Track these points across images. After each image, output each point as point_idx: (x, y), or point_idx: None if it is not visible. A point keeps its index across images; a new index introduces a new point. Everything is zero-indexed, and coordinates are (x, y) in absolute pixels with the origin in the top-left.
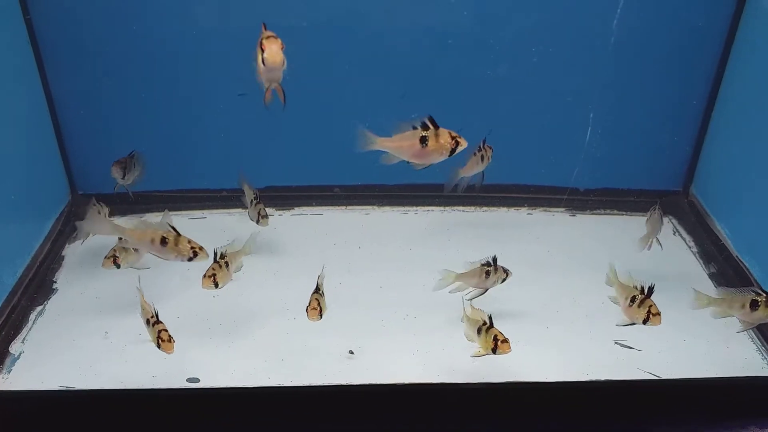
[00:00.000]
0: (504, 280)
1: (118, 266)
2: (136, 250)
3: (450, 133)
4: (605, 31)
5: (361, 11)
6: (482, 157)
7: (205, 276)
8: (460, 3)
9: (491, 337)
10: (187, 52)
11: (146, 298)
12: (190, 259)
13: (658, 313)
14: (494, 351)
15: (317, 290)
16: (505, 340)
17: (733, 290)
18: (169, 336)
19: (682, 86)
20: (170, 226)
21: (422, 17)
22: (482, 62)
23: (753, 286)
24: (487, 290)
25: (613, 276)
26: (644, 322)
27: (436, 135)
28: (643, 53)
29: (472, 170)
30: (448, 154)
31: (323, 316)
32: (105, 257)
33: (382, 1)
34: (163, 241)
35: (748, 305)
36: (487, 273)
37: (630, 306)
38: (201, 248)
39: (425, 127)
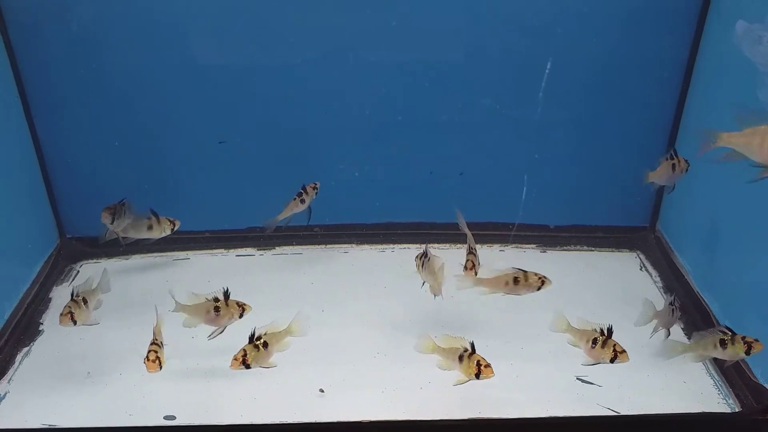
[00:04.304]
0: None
1: (75, 322)
2: (86, 306)
3: None
4: (569, 68)
5: (352, 48)
6: (674, 166)
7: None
8: (423, 45)
9: (474, 363)
10: (173, 98)
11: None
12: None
13: (624, 351)
14: (477, 376)
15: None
16: (488, 365)
17: (703, 333)
18: (157, 357)
19: (647, 122)
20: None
21: (403, 78)
22: (453, 104)
23: (714, 323)
24: (668, 331)
25: (562, 323)
26: (612, 360)
27: None
28: (608, 91)
29: (662, 177)
30: None
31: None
32: (61, 314)
33: (370, 42)
34: (516, 280)
35: (719, 345)
36: (672, 311)
37: (593, 348)
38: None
39: None
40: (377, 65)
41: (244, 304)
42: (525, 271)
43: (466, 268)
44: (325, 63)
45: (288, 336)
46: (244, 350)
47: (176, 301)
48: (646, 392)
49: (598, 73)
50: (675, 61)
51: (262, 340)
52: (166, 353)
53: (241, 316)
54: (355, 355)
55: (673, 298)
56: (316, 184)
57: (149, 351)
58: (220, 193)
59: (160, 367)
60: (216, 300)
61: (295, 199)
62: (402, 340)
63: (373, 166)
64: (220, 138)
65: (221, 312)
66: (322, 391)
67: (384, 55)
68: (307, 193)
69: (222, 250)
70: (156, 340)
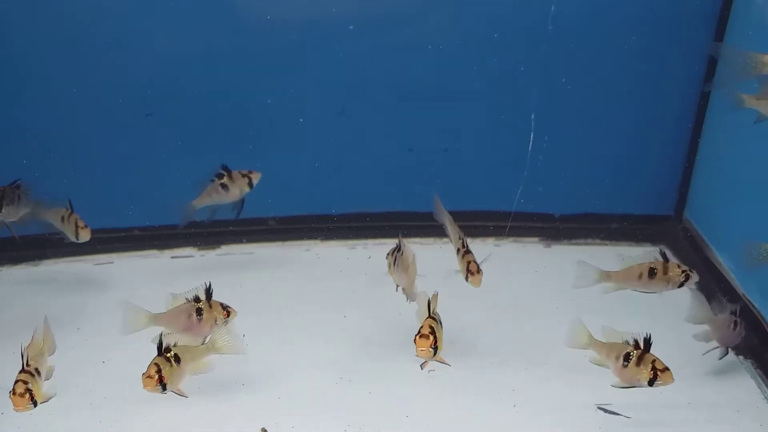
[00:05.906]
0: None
1: None
2: None
3: None
4: (587, 52)
5: (303, 39)
6: None
7: None
8: (408, 21)
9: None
10: (91, 70)
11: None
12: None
13: (666, 368)
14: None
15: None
16: (423, 336)
17: None
18: (27, 389)
19: (668, 96)
20: None
21: (370, 33)
22: (445, 79)
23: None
24: (726, 349)
25: (583, 336)
26: (651, 382)
27: None
28: (625, 62)
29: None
30: None
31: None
32: None
33: (326, 28)
34: (652, 272)
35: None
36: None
37: (625, 366)
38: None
39: None
40: (340, 22)
41: (229, 307)
42: (665, 262)
43: (471, 272)
44: (277, 23)
45: (210, 353)
46: (157, 364)
47: (147, 311)
48: (689, 425)
49: (617, 56)
50: (699, 44)
51: (172, 353)
52: (59, 383)
53: (225, 322)
54: (312, 381)
55: (736, 308)
56: (250, 173)
57: (17, 381)
58: (152, 183)
59: (34, 403)
60: (197, 300)
61: (213, 181)
62: (372, 360)
63: (340, 144)
64: (147, 111)
65: (204, 316)
66: (266, 431)
67: (358, 32)
68: (232, 178)
69: (154, 252)
70: (28, 366)
